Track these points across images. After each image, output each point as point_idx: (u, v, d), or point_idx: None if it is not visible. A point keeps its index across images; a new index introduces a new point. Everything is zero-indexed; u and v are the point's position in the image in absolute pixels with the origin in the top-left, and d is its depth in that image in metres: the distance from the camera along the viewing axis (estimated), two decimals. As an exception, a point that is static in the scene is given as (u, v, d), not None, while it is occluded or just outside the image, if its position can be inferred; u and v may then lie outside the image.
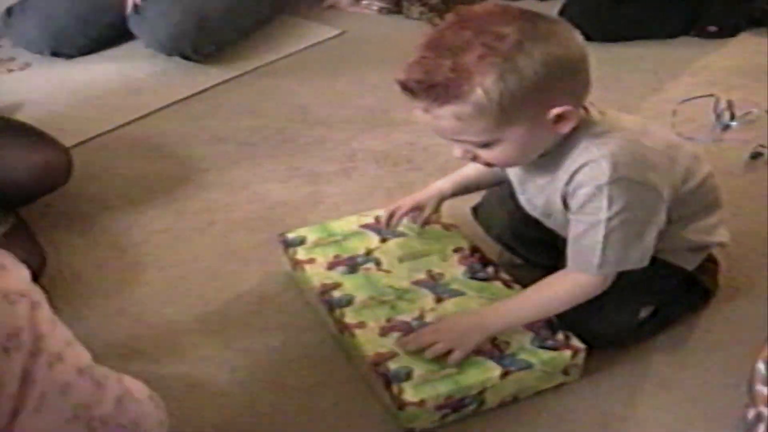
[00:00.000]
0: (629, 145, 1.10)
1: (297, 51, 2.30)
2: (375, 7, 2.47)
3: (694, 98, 1.81)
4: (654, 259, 1.16)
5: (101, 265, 1.49)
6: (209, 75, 2.18)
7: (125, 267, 1.49)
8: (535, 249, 1.35)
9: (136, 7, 2.25)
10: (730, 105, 1.81)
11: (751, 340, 1.08)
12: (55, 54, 2.30)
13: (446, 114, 1.03)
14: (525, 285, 1.26)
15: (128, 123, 1.96)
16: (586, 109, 1.12)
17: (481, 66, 0.99)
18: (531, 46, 1.00)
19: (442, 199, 1.37)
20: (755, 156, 1.69)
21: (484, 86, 0.99)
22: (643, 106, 1.97)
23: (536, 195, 1.20)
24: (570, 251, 1.14)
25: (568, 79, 1.04)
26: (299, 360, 1.27)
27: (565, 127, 1.07)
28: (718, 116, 1.81)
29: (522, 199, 1.25)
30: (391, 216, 1.39)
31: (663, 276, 1.23)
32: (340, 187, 1.70)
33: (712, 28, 2.22)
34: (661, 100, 1.92)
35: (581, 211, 1.11)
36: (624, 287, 1.16)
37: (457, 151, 1.11)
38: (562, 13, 2.29)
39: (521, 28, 1.01)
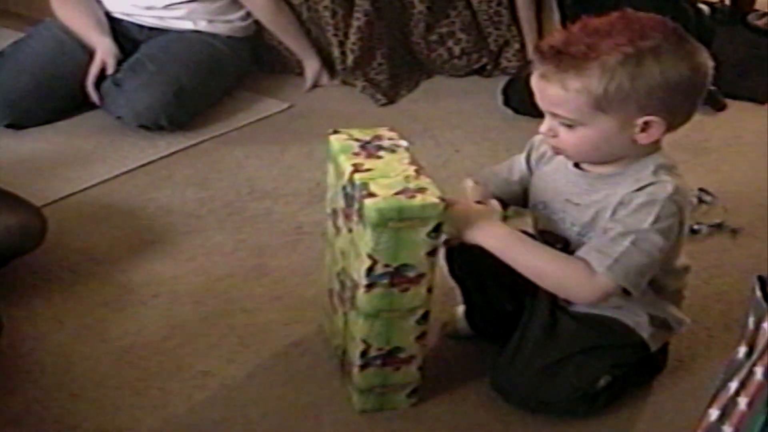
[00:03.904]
0: (687, 190, 1.17)
1: (245, 124, 2.33)
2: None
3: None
4: (626, 329, 1.22)
5: (39, 338, 1.46)
6: (158, 147, 2.19)
7: (64, 340, 1.46)
8: (502, 287, 1.34)
9: (100, 80, 2.25)
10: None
11: (694, 413, 1.10)
12: (10, 126, 2.28)
13: (558, 81, 1.08)
14: (464, 360, 1.27)
15: (75, 193, 1.95)
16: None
17: (612, 51, 1.06)
18: (665, 56, 1.07)
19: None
20: (694, 232, 1.74)
21: (603, 68, 1.05)
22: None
23: (582, 211, 1.20)
24: (592, 241, 1.15)
25: (677, 98, 1.10)
26: (240, 435, 1.27)
27: (646, 139, 1.12)
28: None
29: (558, 215, 1.23)
30: None
31: (626, 346, 1.27)
32: (286, 259, 1.71)
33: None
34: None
35: (626, 216, 1.13)
36: (588, 351, 1.19)
37: (544, 126, 1.15)
38: (505, 90, 2.36)
39: (668, 38, 1.08)
